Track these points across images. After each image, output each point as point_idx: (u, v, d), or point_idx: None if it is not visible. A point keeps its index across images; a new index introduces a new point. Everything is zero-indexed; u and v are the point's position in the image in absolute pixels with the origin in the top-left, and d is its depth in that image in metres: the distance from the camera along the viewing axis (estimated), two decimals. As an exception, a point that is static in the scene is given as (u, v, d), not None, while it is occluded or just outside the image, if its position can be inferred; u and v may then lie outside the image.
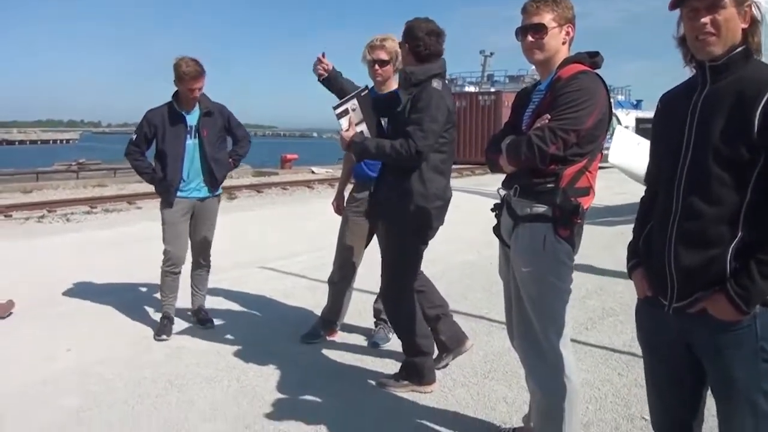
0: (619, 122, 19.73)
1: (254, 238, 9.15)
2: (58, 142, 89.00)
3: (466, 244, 8.11)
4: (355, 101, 3.74)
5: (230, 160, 5.21)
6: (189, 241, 5.12)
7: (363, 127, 3.74)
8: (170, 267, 5.01)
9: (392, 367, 4.27)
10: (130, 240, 8.81)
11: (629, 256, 2.34)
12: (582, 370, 4.03)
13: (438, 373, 4.08)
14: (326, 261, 5.16)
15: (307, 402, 3.82)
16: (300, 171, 23.82)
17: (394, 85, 4.36)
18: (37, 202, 13.22)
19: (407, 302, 3.89)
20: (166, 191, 4.95)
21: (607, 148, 9.39)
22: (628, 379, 4.17)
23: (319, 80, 4.35)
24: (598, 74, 2.71)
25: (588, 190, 2.73)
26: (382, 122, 3.96)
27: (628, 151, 10.66)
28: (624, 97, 41.23)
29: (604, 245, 8.04)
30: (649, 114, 31.96)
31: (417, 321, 3.91)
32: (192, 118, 4.93)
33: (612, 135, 11.07)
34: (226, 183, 5.36)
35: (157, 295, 5.30)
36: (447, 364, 4.27)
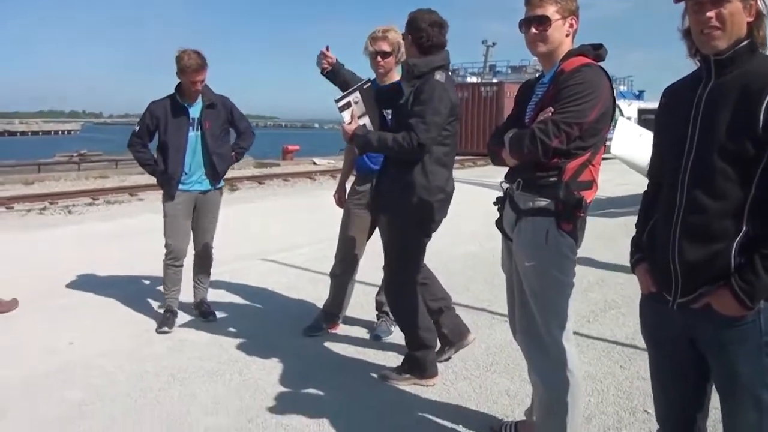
0: (622, 113, 19.67)
1: (256, 230, 9.14)
2: (60, 133, 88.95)
3: (467, 235, 8.11)
4: (357, 94, 3.72)
5: (233, 153, 5.19)
6: (191, 234, 5.11)
7: (365, 120, 3.72)
8: (172, 260, 5.01)
9: (394, 360, 4.27)
10: (132, 232, 8.80)
11: (633, 250, 2.33)
12: (584, 363, 4.03)
13: (440, 366, 4.08)
14: (328, 253, 5.15)
15: (310, 395, 3.83)
16: (301, 162, 23.79)
17: (395, 76, 4.34)
18: (38, 194, 13.21)
19: (410, 295, 3.89)
20: (168, 184, 4.94)
21: (610, 139, 9.37)
22: (630, 371, 4.17)
23: (322, 73, 4.32)
24: (601, 67, 2.69)
25: (591, 184, 2.72)
26: (386, 114, 3.95)
27: (631, 142, 10.62)
28: (626, 88, 41.09)
29: (607, 237, 8.03)
30: (652, 105, 31.87)
31: (420, 314, 3.91)
32: (195, 110, 4.91)
33: (614, 126, 11.04)
34: (228, 174, 5.35)
35: (160, 288, 5.30)
36: (449, 358, 4.26)
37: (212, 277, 5.43)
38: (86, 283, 6.20)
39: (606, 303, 5.67)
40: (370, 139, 3.59)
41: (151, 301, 5.58)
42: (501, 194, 3.01)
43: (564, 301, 2.76)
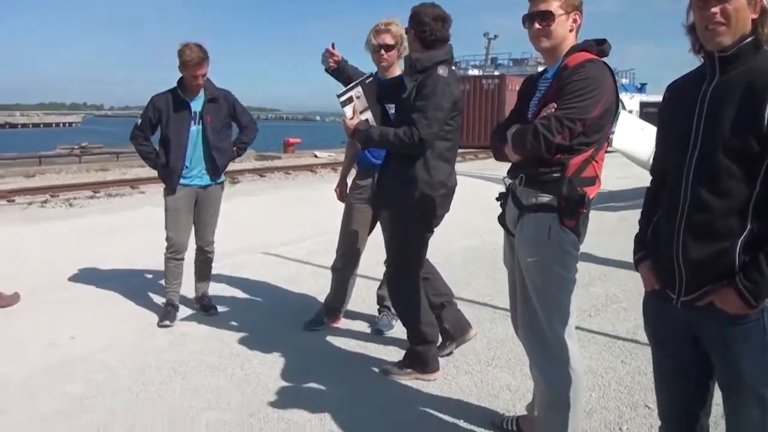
0: (624, 107, 19.64)
1: (257, 223, 9.13)
2: (61, 125, 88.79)
3: (469, 229, 8.10)
4: (359, 89, 3.70)
5: (234, 148, 5.18)
6: (192, 228, 5.11)
7: (368, 115, 3.71)
8: (173, 253, 5.02)
9: (396, 354, 4.27)
10: (133, 225, 8.80)
11: (636, 247, 2.32)
12: (585, 358, 4.02)
13: (441, 361, 4.08)
14: (330, 246, 5.15)
15: (311, 390, 3.83)
16: (303, 155, 23.77)
17: (397, 71, 4.33)
18: (39, 187, 13.22)
19: (412, 290, 3.88)
20: (169, 177, 4.94)
21: (612, 133, 9.35)
22: (632, 366, 4.17)
23: (327, 71, 4.28)
24: (605, 62, 2.68)
25: (594, 180, 2.70)
26: (388, 108, 3.93)
27: (632, 136, 10.61)
28: (628, 81, 41.03)
29: (608, 231, 8.03)
30: (654, 98, 31.82)
31: (422, 309, 3.90)
32: (196, 104, 4.91)
33: (616, 120, 11.03)
34: (229, 167, 5.33)
35: (161, 282, 5.30)
36: (451, 352, 4.26)
37: (213, 271, 5.43)
38: (87, 276, 6.20)
39: (607, 297, 5.67)
40: (371, 134, 3.58)
41: (152, 294, 5.58)
42: (503, 190, 3.00)
43: (566, 297, 2.75)
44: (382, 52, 4.24)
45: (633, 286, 5.78)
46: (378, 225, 4.47)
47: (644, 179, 2.42)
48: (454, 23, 3.77)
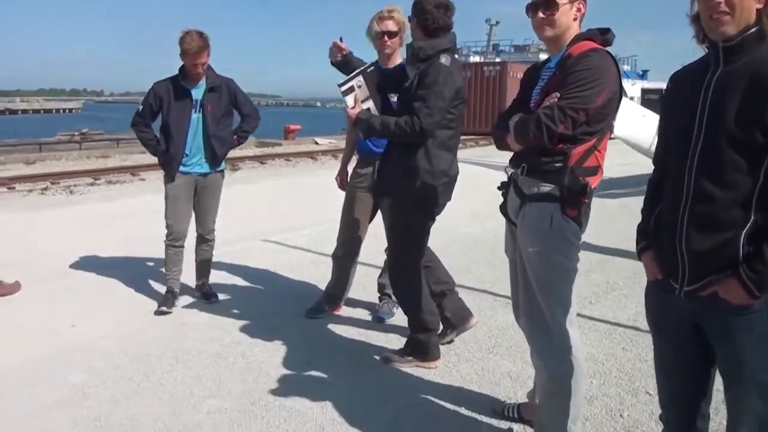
0: (625, 94, 19.61)
1: (258, 211, 9.13)
2: (61, 111, 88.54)
3: (469, 216, 8.09)
4: (360, 78, 3.68)
5: (235, 137, 5.16)
6: (191, 216, 5.11)
7: (369, 104, 3.69)
8: (172, 240, 5.02)
9: (397, 342, 4.28)
10: (134, 213, 8.80)
11: (639, 237, 2.32)
12: (586, 345, 4.03)
13: (442, 348, 4.09)
14: (331, 234, 5.15)
15: (312, 378, 3.84)
16: (303, 142, 23.72)
17: (398, 59, 4.30)
18: (40, 174, 13.19)
19: (414, 278, 3.88)
20: (169, 165, 4.94)
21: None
22: (632, 353, 4.18)
23: (332, 63, 4.24)
24: (608, 52, 2.66)
25: (596, 170, 2.69)
26: (390, 98, 3.90)
27: (634, 123, 10.58)
28: (630, 67, 40.94)
29: (609, 218, 8.03)
30: (656, 84, 31.79)
31: (423, 297, 3.90)
32: (197, 93, 4.89)
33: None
34: (230, 154, 5.32)
35: (162, 269, 5.30)
36: (452, 340, 4.27)
37: (214, 258, 5.43)
38: (88, 264, 6.20)
39: (608, 284, 5.68)
40: (373, 124, 3.57)
41: (153, 282, 5.58)
42: (505, 179, 2.99)
43: (568, 287, 2.75)
44: (386, 38, 4.21)
45: (633, 273, 5.79)
46: (379, 213, 4.47)
47: (645, 166, 2.42)
48: (456, 10, 3.74)
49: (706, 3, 1.95)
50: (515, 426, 3.27)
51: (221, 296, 5.23)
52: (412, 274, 3.88)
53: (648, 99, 30.08)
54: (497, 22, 43.97)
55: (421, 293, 3.89)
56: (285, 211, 9.21)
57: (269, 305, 5.10)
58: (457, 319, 4.28)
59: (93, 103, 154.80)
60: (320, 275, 5.56)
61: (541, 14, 2.67)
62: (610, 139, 2.81)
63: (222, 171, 5.15)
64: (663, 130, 2.26)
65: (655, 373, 2.40)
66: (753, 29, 1.95)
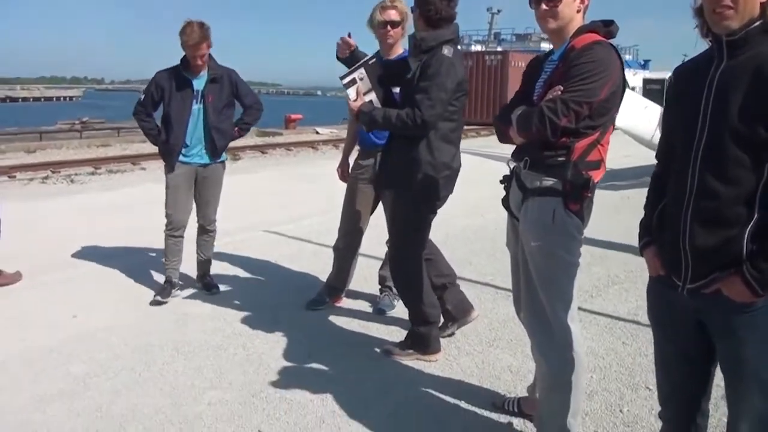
0: (627, 84, 19.50)
1: (259, 201, 9.11)
2: (62, 99, 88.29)
3: (470, 207, 8.06)
4: (362, 70, 3.66)
5: (236, 129, 5.13)
6: (191, 206, 5.11)
7: (371, 96, 3.67)
8: (171, 230, 5.03)
9: (397, 334, 4.28)
10: (135, 202, 8.79)
11: (641, 233, 2.31)
12: (586, 339, 4.03)
13: (443, 341, 4.09)
14: (331, 225, 5.15)
15: (313, 370, 3.84)
16: (304, 131, 23.67)
17: (400, 49, 4.28)
18: (40, 163, 13.18)
19: (415, 271, 3.87)
20: (168, 155, 4.94)
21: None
22: (633, 348, 4.18)
23: (338, 58, 4.21)
24: (612, 44, 2.64)
25: (599, 164, 2.68)
26: (392, 90, 3.88)
27: (636, 114, 10.55)
28: (631, 57, 40.83)
29: (610, 210, 8.00)
30: (658, 74, 31.63)
31: (424, 290, 3.90)
32: (199, 83, 4.87)
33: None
34: (231, 144, 5.30)
35: (164, 260, 5.30)
36: (452, 333, 4.27)
37: (215, 249, 5.43)
38: (89, 254, 6.20)
39: (609, 278, 5.67)
40: (375, 116, 3.55)
41: (154, 273, 5.58)
42: (507, 172, 2.98)
43: (570, 282, 2.74)
44: (388, 28, 4.18)
45: (634, 267, 5.78)
46: (380, 204, 4.46)
47: (646, 158, 2.41)
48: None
49: None
50: (515, 420, 3.27)
51: (222, 287, 5.23)
52: (413, 266, 3.88)
53: (650, 89, 29.95)
54: (499, 11, 43.88)
55: (422, 286, 3.89)
56: (286, 202, 9.19)
57: (270, 296, 5.11)
58: (458, 312, 4.28)
59: (93, 91, 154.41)
60: (321, 266, 5.56)
61: (544, 6, 2.65)
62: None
63: (223, 162, 5.14)
64: (666, 125, 2.25)
65: (655, 369, 2.39)
66: (757, 23, 1.93)
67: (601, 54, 2.54)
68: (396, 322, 4.53)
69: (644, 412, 3.37)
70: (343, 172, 4.90)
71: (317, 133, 22.93)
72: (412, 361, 3.93)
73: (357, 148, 4.85)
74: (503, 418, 3.31)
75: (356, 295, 5.07)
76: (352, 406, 3.40)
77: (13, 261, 5.44)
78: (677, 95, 2.17)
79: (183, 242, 5.12)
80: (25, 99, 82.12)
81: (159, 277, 5.40)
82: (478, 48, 36.78)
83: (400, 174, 3.69)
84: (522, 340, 4.06)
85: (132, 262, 5.91)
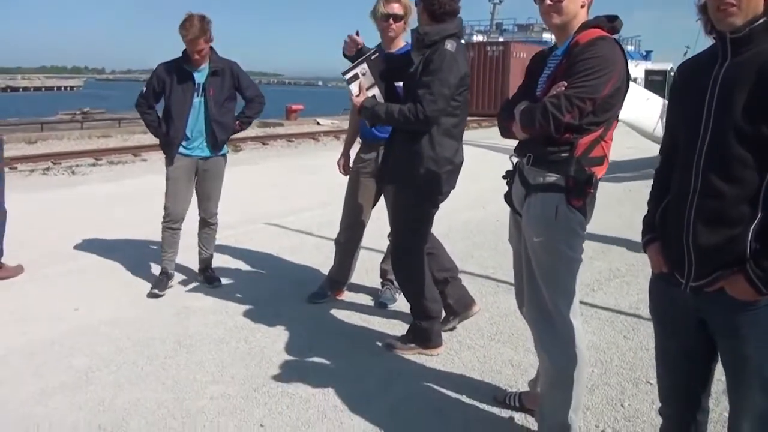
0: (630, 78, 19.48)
1: (260, 193, 9.11)
2: (62, 89, 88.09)
3: (471, 200, 8.05)
4: (365, 65, 3.65)
5: (237, 122, 5.12)
6: (190, 199, 5.11)
7: (374, 91, 3.66)
8: (169, 222, 5.03)
9: (399, 328, 4.29)
10: (136, 194, 8.79)
11: (645, 229, 2.30)
12: (588, 333, 4.04)
13: (444, 335, 4.09)
14: (333, 217, 5.14)
15: (314, 364, 3.85)
16: (305, 122, 23.63)
17: (402, 42, 4.27)
18: (42, 154, 13.16)
19: (416, 266, 3.87)
20: (169, 147, 4.94)
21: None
22: (634, 342, 4.18)
23: (344, 55, 4.20)
24: (616, 40, 2.63)
25: (602, 160, 2.67)
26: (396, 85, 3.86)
27: (638, 107, 10.51)
28: (633, 48, 40.69)
29: (612, 203, 8.01)
30: (659, 66, 31.59)
31: (426, 285, 3.90)
32: (200, 76, 4.86)
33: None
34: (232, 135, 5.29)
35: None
36: (454, 327, 4.27)
37: (217, 242, 5.43)
38: (91, 246, 6.20)
39: (610, 271, 5.67)
40: (377, 111, 3.54)
41: (155, 265, 5.55)
42: (510, 167, 2.97)
43: (572, 277, 2.74)
44: (391, 21, 4.15)
45: (636, 260, 5.78)
46: (382, 198, 4.46)
47: (648, 150, 2.41)
48: None
49: None
50: (516, 415, 3.28)
51: (224, 280, 5.24)
52: (414, 261, 3.87)
53: (651, 80, 29.92)
54: (500, 1, 43.65)
55: (424, 280, 3.89)
56: (287, 194, 9.20)
57: (272, 290, 5.11)
58: (460, 307, 4.28)
59: (94, 81, 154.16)
60: (322, 259, 5.56)
61: (548, 1, 2.63)
62: None
63: (224, 155, 5.13)
64: (670, 122, 2.24)
65: (656, 365, 2.39)
66: (761, 20, 1.92)
67: (604, 50, 2.52)
68: (397, 315, 4.54)
69: (645, 406, 3.37)
70: (344, 165, 4.88)
71: (318, 124, 22.90)
72: (413, 356, 3.93)
73: (359, 141, 4.84)
74: (504, 413, 3.31)
75: (358, 288, 5.07)
76: (354, 400, 3.41)
77: (14, 253, 5.44)
78: (681, 92, 2.17)
79: (180, 234, 5.12)
80: (25, 89, 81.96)
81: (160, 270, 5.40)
82: (479, 38, 36.64)
83: (402, 168, 3.68)
84: (523, 335, 4.07)
85: (133, 254, 5.91)
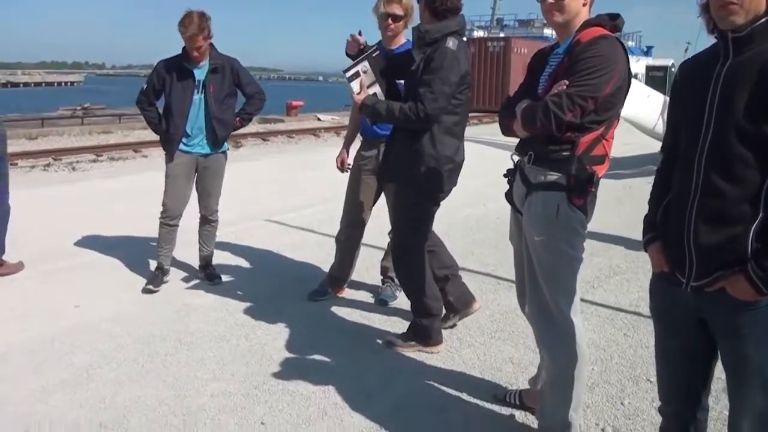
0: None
1: (260, 190, 9.10)
2: (63, 84, 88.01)
3: (472, 196, 8.03)
4: (366, 63, 3.64)
5: (238, 119, 5.11)
6: (189, 196, 5.11)
7: (375, 89, 3.66)
8: (166, 218, 5.04)
9: (399, 325, 4.29)
10: (136, 190, 8.77)
11: (646, 228, 2.30)
12: (588, 330, 4.04)
13: (444, 333, 4.09)
14: (333, 214, 5.13)
15: (315, 361, 3.85)
16: (306, 118, 23.63)
17: (403, 39, 4.26)
18: (42, 150, 13.19)
19: (417, 264, 3.87)
20: (169, 145, 4.94)
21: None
22: (634, 339, 4.19)
23: (348, 55, 4.19)
24: (618, 39, 2.63)
25: (603, 158, 2.67)
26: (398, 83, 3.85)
27: (638, 103, 10.50)
28: (634, 43, 40.53)
29: (612, 200, 8.00)
30: (660, 61, 31.49)
31: (427, 283, 3.90)
32: (200, 73, 4.85)
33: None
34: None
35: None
36: (454, 325, 4.28)
37: (217, 239, 5.43)
38: (91, 243, 6.20)
39: (611, 268, 5.67)
40: (378, 109, 3.54)
41: (156, 262, 5.57)
42: (511, 166, 2.97)
43: (573, 276, 2.75)
44: (390, 21, 4.15)
45: (636, 257, 5.78)
46: (383, 195, 4.45)
47: (649, 146, 2.40)
48: None
49: None
50: (517, 412, 3.28)
51: (224, 277, 5.23)
52: (415, 259, 3.87)
53: (652, 76, 29.83)
54: (502, -5, 43.54)
55: (425, 278, 3.89)
56: (287, 190, 9.19)
57: (272, 287, 5.11)
58: (460, 304, 4.28)
59: (95, 76, 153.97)
60: (323, 256, 5.56)
61: None
62: None
63: (225, 152, 5.13)
64: (672, 121, 2.23)
65: (656, 364, 2.40)
66: (762, 19, 1.92)
67: (606, 48, 2.52)
68: (398, 313, 4.54)
69: (645, 404, 3.38)
70: (342, 162, 4.87)
71: (318, 119, 22.89)
72: (414, 353, 3.94)
73: (359, 138, 4.83)
74: (505, 410, 3.31)
75: (358, 285, 5.07)
76: (354, 397, 3.41)
77: (15, 249, 5.43)
78: (682, 92, 2.17)
79: (177, 231, 5.13)
80: (26, 84, 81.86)
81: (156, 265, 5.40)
82: (480, 34, 36.54)
83: (403, 166, 3.68)
84: (524, 332, 4.07)
85: (134, 251, 5.91)
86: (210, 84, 4.83)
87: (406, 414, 3.30)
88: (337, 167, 4.91)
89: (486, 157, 10.08)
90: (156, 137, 5.28)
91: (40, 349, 3.95)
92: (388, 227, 4.18)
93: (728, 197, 1.91)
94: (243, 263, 5.75)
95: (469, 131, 3.94)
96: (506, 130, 2.83)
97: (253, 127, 18.82)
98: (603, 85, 2.50)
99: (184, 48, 4.81)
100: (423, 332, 3.95)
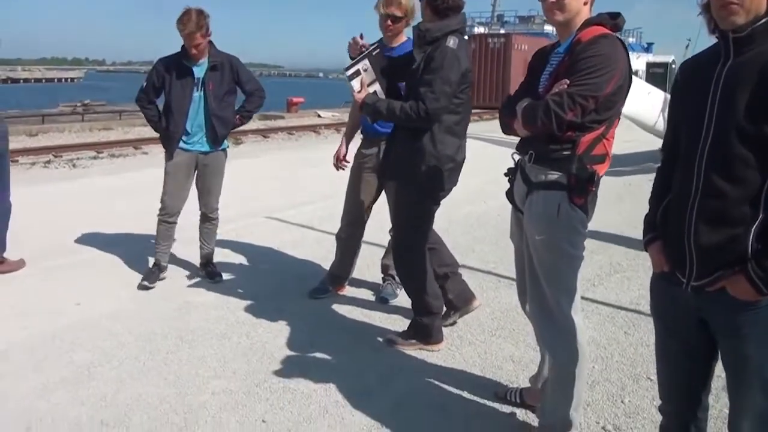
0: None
1: (261, 186, 9.11)
2: (63, 80, 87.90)
3: (472, 194, 8.03)
4: (366, 61, 3.64)
5: (238, 116, 5.11)
6: (188, 194, 5.12)
7: (376, 87, 3.65)
8: (164, 215, 5.05)
9: (400, 323, 4.29)
10: (137, 187, 8.77)
11: (646, 228, 2.30)
12: (588, 328, 4.04)
13: (445, 331, 4.09)
14: (334, 211, 5.13)
15: (316, 359, 3.86)
16: (306, 115, 23.64)
17: (404, 38, 4.26)
18: (43, 147, 13.18)
19: (418, 262, 3.87)
20: (168, 142, 4.94)
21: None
22: (635, 338, 4.19)
23: (350, 57, 4.18)
24: (618, 37, 2.63)
25: (604, 157, 2.67)
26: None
27: (639, 100, 10.49)
28: (635, 40, 40.51)
29: (612, 198, 7.99)
30: (661, 58, 31.51)
31: (428, 281, 3.90)
32: (199, 71, 4.84)
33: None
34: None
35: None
36: (454, 322, 4.28)
37: (218, 236, 5.42)
38: (92, 240, 6.20)
39: (611, 266, 5.67)
40: (379, 108, 3.54)
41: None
42: (512, 164, 2.97)
43: (573, 275, 2.75)
44: (389, 22, 4.14)
45: (636, 255, 5.78)
46: (384, 193, 4.45)
47: (649, 143, 2.40)
48: None
49: None
50: (517, 411, 3.29)
51: (225, 275, 5.24)
52: (416, 257, 3.87)
53: (653, 73, 29.82)
54: (502, -8, 43.52)
55: (426, 276, 3.89)
56: (288, 187, 9.19)
57: (273, 284, 5.11)
58: (460, 301, 4.28)
59: (95, 72, 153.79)
60: (324, 253, 5.56)
61: None
62: None
63: (225, 150, 5.13)
64: (673, 121, 2.23)
65: (656, 363, 2.40)
66: (763, 20, 1.92)
67: (607, 48, 2.52)
68: (398, 311, 4.54)
69: (645, 402, 3.38)
70: (339, 158, 4.87)
71: (319, 116, 22.89)
72: (414, 351, 3.94)
73: (359, 136, 4.82)
74: (505, 408, 3.32)
75: (359, 283, 5.08)
76: (355, 395, 3.42)
77: (16, 247, 5.44)
78: (683, 91, 2.16)
79: (175, 228, 5.14)
80: (26, 80, 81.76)
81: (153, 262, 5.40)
82: (480, 30, 36.50)
83: (404, 165, 3.68)
84: (524, 330, 4.08)
85: (134, 248, 5.90)
86: (209, 81, 4.83)
87: (407, 412, 3.30)
88: (333, 164, 4.90)
89: (487, 154, 10.09)
90: (156, 134, 5.28)
91: (40, 346, 3.96)
92: (389, 225, 4.19)
93: (729, 198, 1.91)
94: (243, 261, 5.75)
95: (470, 128, 3.93)
96: (507, 129, 2.83)
97: (253, 123, 18.80)
98: (604, 84, 2.50)
99: (183, 46, 4.81)
100: (424, 330, 3.95)
